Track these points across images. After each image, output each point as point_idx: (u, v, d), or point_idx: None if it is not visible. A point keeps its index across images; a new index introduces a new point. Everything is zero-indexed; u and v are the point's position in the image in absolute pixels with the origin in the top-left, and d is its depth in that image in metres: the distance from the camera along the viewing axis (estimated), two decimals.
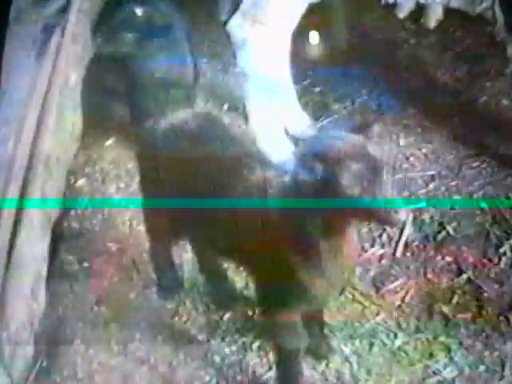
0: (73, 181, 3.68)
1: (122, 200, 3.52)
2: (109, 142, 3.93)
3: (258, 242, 2.23)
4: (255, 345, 2.72)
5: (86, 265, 3.19)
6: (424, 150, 3.58)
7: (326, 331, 2.66)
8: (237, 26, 3.49)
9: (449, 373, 2.54)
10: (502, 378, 2.52)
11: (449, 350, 2.62)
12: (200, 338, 2.80)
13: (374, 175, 1.95)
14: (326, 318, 2.66)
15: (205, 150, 2.45)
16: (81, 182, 3.69)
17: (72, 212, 3.48)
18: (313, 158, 2.00)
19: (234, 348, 2.74)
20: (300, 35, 3.77)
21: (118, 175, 3.69)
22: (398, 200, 1.98)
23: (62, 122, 2.99)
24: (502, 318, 2.72)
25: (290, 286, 2.24)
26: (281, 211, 2.18)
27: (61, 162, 2.99)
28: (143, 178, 2.78)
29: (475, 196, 3.27)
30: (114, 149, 3.87)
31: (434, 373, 2.55)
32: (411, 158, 3.54)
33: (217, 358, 2.71)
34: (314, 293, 2.26)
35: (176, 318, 2.90)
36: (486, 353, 2.60)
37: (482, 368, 2.55)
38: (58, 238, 3.27)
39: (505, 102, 3.82)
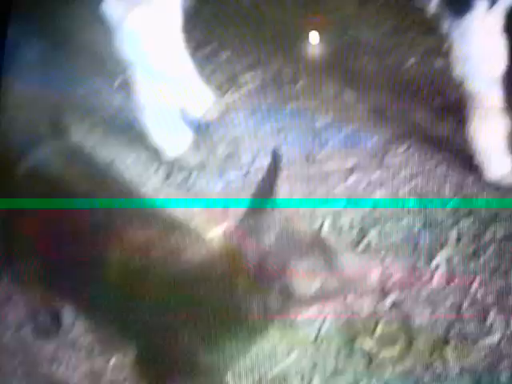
0: None
1: None
2: None
3: None
4: None
5: None
6: (343, 134, 3.05)
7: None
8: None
9: None
10: None
11: None
12: None
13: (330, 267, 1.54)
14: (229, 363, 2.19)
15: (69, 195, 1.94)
16: None
17: None
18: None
19: None
20: None
21: None
22: None
23: None
24: (435, 355, 2.26)
25: None
26: None
27: None
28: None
29: (401, 191, 2.76)
30: None
31: None
32: (328, 145, 2.99)
33: None
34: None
35: (55, 366, 2.42)
36: None
37: None
38: None
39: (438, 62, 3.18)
